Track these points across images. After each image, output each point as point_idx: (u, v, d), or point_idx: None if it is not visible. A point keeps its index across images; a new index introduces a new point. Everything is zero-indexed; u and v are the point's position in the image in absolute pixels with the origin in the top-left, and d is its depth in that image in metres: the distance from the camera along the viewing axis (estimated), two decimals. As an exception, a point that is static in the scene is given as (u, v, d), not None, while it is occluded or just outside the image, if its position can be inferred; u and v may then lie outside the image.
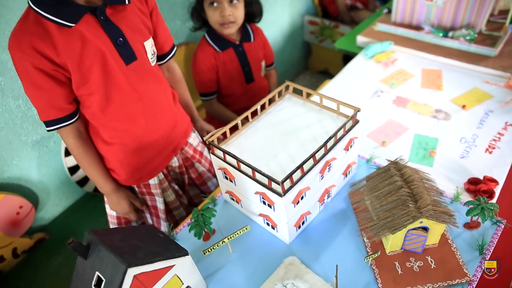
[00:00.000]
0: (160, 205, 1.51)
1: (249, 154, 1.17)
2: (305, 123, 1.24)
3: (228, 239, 1.15)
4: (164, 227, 1.56)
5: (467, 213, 1.08)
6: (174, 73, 1.50)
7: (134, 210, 1.50)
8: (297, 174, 1.04)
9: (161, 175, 1.47)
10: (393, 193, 1.08)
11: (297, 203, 1.08)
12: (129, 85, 1.18)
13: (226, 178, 1.22)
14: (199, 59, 1.82)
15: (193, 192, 1.68)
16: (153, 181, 1.45)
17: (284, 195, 1.01)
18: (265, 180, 1.04)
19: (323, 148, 1.08)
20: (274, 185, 1.04)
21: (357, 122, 1.18)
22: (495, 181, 1.26)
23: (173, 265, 0.97)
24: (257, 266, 1.15)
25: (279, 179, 0.97)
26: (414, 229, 1.03)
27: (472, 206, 1.08)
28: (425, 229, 1.04)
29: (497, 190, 1.25)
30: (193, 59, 1.93)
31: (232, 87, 1.91)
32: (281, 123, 1.26)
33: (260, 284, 1.10)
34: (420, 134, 1.54)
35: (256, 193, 1.09)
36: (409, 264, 1.08)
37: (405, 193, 1.04)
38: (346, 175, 1.29)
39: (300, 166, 1.01)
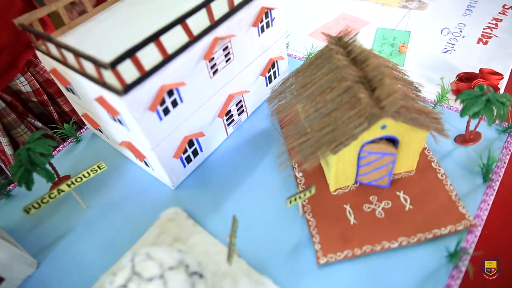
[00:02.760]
0: None
1: (91, 43, 0.67)
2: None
3: (70, 185, 0.67)
4: None
5: (462, 113, 0.62)
6: None
7: None
8: (152, 56, 0.55)
9: None
10: (334, 84, 0.60)
11: (165, 112, 0.59)
12: None
13: (68, 89, 0.73)
14: None
15: None
16: None
17: (125, 92, 0.52)
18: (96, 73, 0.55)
19: (203, 12, 0.58)
20: (109, 78, 0.55)
21: (275, -21, 0.69)
22: (498, 74, 0.80)
23: None
24: (122, 226, 0.70)
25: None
26: (372, 142, 0.57)
27: (469, 100, 0.61)
28: (392, 141, 0.58)
29: (502, 86, 0.79)
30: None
31: None
32: (156, -2, 0.76)
33: (121, 254, 0.63)
34: (384, 28, 1.07)
35: (95, 100, 0.60)
36: (368, 207, 0.62)
37: (353, 77, 0.56)
38: (270, 78, 0.81)
39: (152, 39, 0.52)
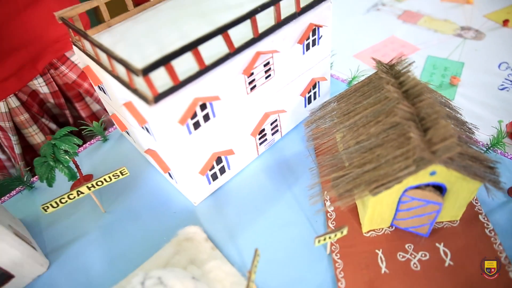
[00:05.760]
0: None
1: (128, 43, 0.64)
2: (238, 1, 0.70)
3: (90, 188, 0.64)
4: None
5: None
6: None
7: None
8: (187, 66, 0.52)
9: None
10: (381, 118, 0.55)
11: (195, 126, 0.55)
12: None
13: (100, 88, 0.70)
14: None
15: None
16: None
17: (155, 101, 0.49)
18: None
19: (248, 24, 0.54)
20: (141, 84, 0.51)
21: (326, -4, 0.65)
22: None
23: None
24: (138, 238, 0.66)
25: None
26: (417, 187, 0.51)
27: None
28: (439, 188, 0.52)
29: None
30: None
31: None
32: (199, 2, 0.73)
33: (133, 268, 0.60)
34: (435, 56, 1.00)
35: (124, 105, 0.57)
36: (403, 257, 0.56)
37: (403, 113, 0.51)
38: (309, 99, 0.76)
39: (190, 47, 0.48)
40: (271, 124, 0.70)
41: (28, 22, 0.87)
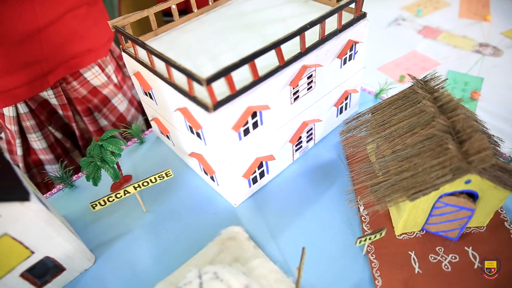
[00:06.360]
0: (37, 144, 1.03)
1: (177, 52, 0.69)
2: (280, 15, 0.75)
3: (136, 188, 0.68)
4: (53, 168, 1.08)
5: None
6: None
7: None
8: (243, 77, 0.56)
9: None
10: (417, 130, 0.59)
11: (245, 133, 0.60)
12: None
13: (146, 93, 0.74)
14: None
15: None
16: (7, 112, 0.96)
17: (214, 109, 0.53)
18: (186, 86, 0.56)
19: (297, 40, 0.59)
20: (200, 92, 0.56)
21: (362, 15, 0.69)
22: None
23: (-4, 217, 0.51)
24: (181, 236, 0.70)
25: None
26: (451, 194, 0.55)
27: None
28: (471, 196, 0.56)
29: None
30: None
31: None
32: (241, 15, 0.78)
33: (178, 265, 0.64)
34: (456, 71, 1.05)
35: (177, 110, 0.61)
36: (434, 258, 0.60)
37: (441, 126, 0.55)
38: (341, 110, 0.80)
39: (248, 60, 0.53)
40: (307, 132, 0.75)
41: (47, 39, 0.88)
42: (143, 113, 1.22)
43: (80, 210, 0.77)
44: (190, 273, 0.52)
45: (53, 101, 0.99)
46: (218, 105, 0.54)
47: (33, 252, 0.59)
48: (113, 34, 1.05)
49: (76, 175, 0.84)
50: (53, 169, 1.06)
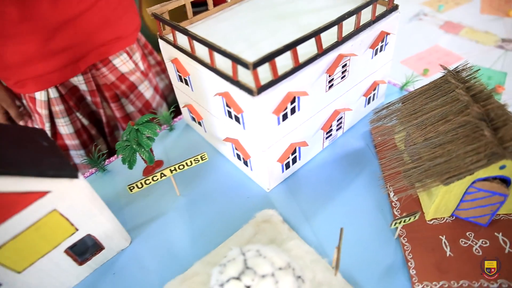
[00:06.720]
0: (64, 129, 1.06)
1: (216, 39, 0.71)
2: (312, 6, 0.77)
3: (172, 171, 0.70)
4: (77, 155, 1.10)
5: None
6: None
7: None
8: (285, 63, 0.58)
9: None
10: (450, 118, 0.61)
11: (283, 117, 0.62)
12: None
13: (181, 79, 0.77)
14: None
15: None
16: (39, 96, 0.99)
17: (258, 93, 0.55)
18: (229, 71, 0.58)
19: (335, 29, 0.61)
20: (242, 77, 0.58)
21: (395, 7, 0.71)
22: None
23: (48, 192, 0.54)
24: (215, 219, 0.72)
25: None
26: (484, 179, 0.57)
27: None
28: (505, 181, 0.58)
29: None
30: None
31: None
32: (274, 6, 0.80)
33: (214, 246, 0.66)
34: (479, 66, 1.06)
35: (217, 94, 0.63)
36: (465, 243, 0.62)
37: (477, 114, 0.57)
38: (369, 100, 0.82)
39: (291, 47, 0.55)
40: (337, 120, 0.77)
41: (81, 26, 0.91)
42: (166, 101, 1.24)
43: (113, 194, 0.79)
44: (232, 251, 0.54)
45: (83, 87, 1.02)
46: (261, 89, 0.56)
47: (77, 229, 0.61)
48: (140, 22, 1.08)
49: (108, 159, 0.86)
50: (77, 155, 1.08)
